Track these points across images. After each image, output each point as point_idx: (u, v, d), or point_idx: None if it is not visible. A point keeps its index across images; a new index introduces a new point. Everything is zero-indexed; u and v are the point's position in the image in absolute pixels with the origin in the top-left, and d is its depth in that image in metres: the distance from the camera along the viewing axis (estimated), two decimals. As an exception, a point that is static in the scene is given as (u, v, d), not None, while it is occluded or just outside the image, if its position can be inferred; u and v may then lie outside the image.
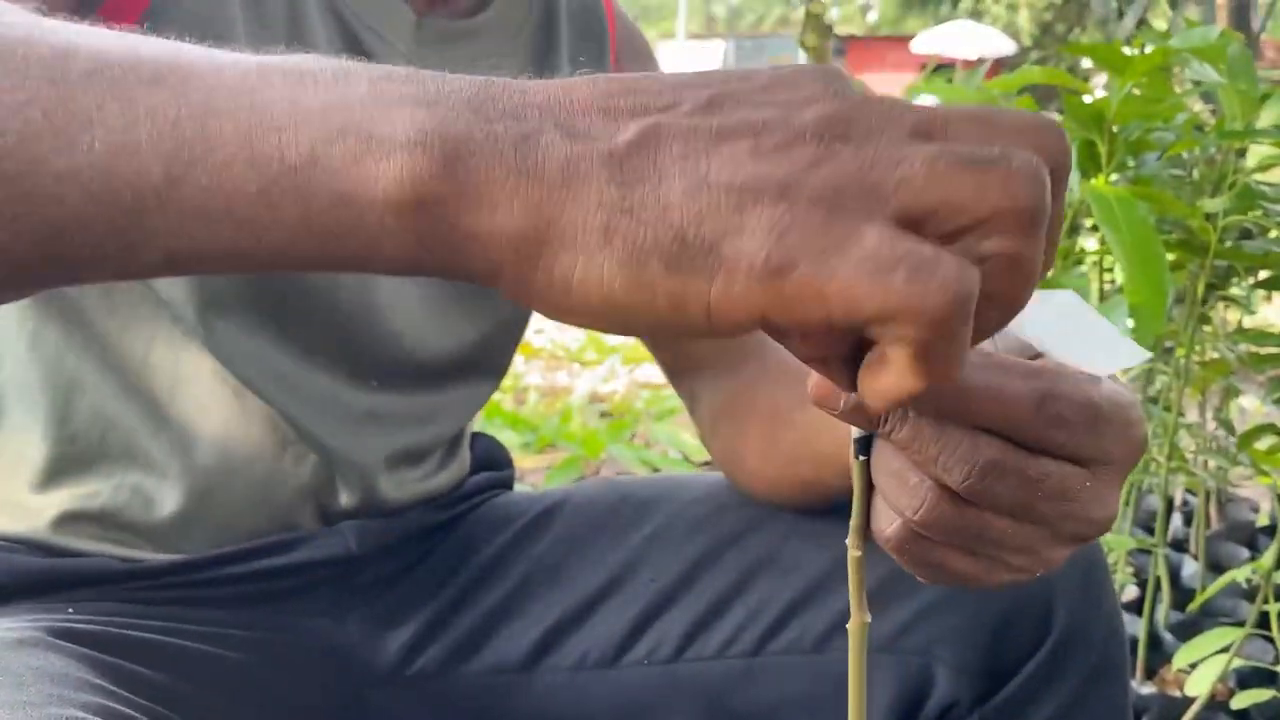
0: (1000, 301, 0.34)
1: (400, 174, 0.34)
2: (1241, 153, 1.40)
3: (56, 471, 0.69)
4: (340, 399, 0.72)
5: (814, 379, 0.40)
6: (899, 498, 0.41)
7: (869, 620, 0.43)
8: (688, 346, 0.80)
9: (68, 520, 0.69)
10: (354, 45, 0.68)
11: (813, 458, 0.67)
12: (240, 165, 0.35)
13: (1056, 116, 1.33)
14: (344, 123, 0.35)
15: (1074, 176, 1.17)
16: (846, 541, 0.43)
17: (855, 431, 0.43)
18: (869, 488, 0.43)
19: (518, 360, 3.88)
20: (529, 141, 0.34)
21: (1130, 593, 1.64)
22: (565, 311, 0.35)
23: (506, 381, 3.51)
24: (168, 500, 0.69)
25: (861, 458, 0.43)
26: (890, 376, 0.34)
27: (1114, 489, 0.42)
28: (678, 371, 0.83)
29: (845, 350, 0.36)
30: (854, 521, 0.43)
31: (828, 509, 0.72)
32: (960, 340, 0.33)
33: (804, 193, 0.33)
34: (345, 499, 0.74)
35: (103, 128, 0.36)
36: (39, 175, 0.36)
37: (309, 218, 0.35)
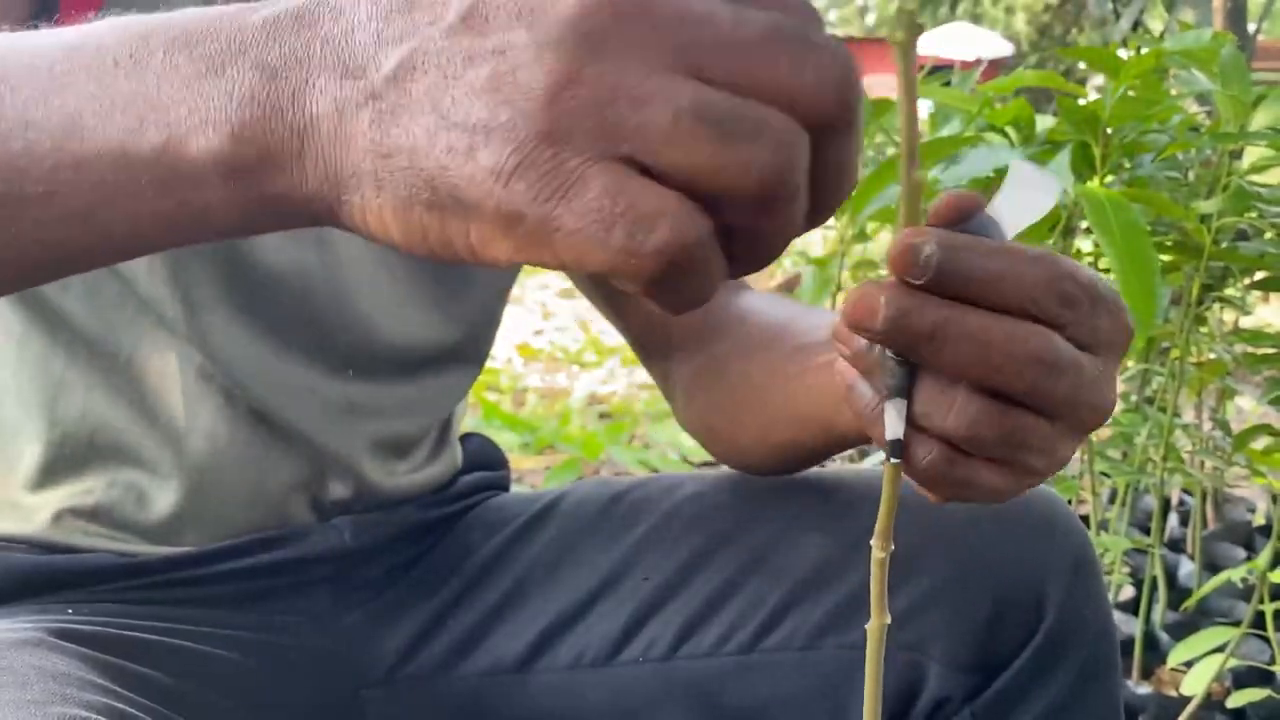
0: (750, 253, 0.35)
1: (201, 156, 0.36)
2: (1237, 154, 1.40)
3: (50, 471, 0.69)
4: (320, 390, 0.72)
5: (849, 304, 0.41)
6: (945, 419, 0.41)
7: (889, 621, 0.44)
8: (655, 322, 0.81)
9: (64, 518, 0.70)
10: None
11: (789, 421, 0.68)
12: (66, 172, 0.38)
13: (1051, 119, 1.34)
14: (142, 114, 0.37)
15: (1069, 179, 1.18)
16: (871, 542, 0.43)
17: (890, 434, 0.43)
18: (897, 491, 0.43)
19: (517, 362, 3.89)
20: (304, 92, 0.36)
21: (1127, 592, 1.64)
22: (379, 243, 0.37)
23: (506, 383, 3.52)
24: (161, 497, 0.70)
25: (895, 460, 0.43)
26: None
27: (1114, 375, 0.43)
28: (649, 350, 0.83)
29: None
30: (880, 524, 0.43)
31: (821, 507, 0.73)
32: (695, 280, 0.33)
33: (534, 129, 0.32)
34: (336, 491, 0.75)
35: None
36: None
37: (139, 204, 0.38)
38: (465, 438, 0.88)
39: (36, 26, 0.42)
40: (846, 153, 0.34)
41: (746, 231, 0.34)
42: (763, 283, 3.90)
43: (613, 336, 3.91)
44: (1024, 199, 0.42)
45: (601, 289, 0.82)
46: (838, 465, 0.73)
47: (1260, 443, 1.42)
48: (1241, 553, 1.74)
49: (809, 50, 0.33)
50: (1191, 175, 1.42)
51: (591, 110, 0.32)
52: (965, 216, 0.42)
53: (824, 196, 0.35)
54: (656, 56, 0.32)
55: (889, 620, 0.43)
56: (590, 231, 0.32)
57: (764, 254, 0.35)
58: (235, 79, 0.36)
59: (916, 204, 0.40)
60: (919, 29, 0.37)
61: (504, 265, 0.35)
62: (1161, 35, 2.09)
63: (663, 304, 0.34)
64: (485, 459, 0.88)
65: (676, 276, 0.33)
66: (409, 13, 0.35)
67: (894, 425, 0.43)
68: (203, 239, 0.40)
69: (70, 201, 0.38)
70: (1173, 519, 1.93)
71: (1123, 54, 1.33)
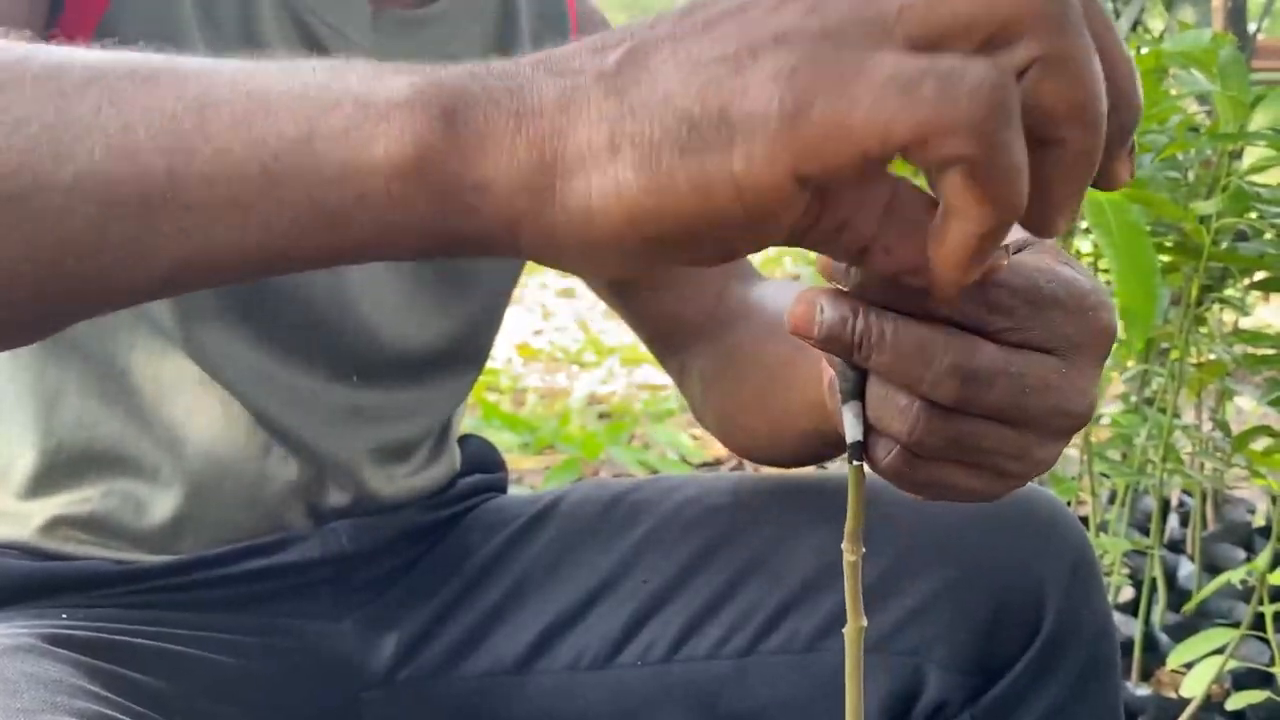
0: (1064, 113, 0.32)
1: (400, 133, 0.34)
2: (1236, 154, 1.40)
3: (44, 479, 0.69)
4: (321, 396, 0.72)
5: (792, 308, 0.39)
6: (891, 423, 0.40)
7: (865, 625, 0.43)
8: (670, 315, 0.80)
9: (56, 525, 0.69)
10: (310, 41, 0.68)
11: (808, 409, 0.66)
12: (239, 147, 0.35)
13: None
14: (339, 94, 0.35)
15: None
16: (842, 546, 0.43)
17: (850, 436, 0.43)
18: (863, 491, 0.43)
19: (517, 362, 3.89)
20: (523, 88, 0.34)
21: (1126, 594, 1.64)
22: (593, 243, 0.34)
23: (506, 383, 3.52)
24: (158, 505, 0.70)
25: (856, 463, 0.43)
26: (959, 223, 0.32)
27: (1089, 378, 0.41)
28: (664, 345, 0.82)
29: (894, 233, 0.35)
30: (849, 526, 0.43)
31: (820, 510, 0.73)
32: (1014, 152, 0.31)
33: (804, 35, 0.31)
34: (335, 496, 0.74)
35: (101, 133, 0.36)
36: (45, 191, 0.36)
37: (314, 194, 0.35)
38: (463, 439, 0.88)
39: (53, 30, 0.41)
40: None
41: (1050, 107, 0.32)
42: (762, 283, 3.89)
43: (612, 337, 3.91)
44: None
45: (616, 284, 0.82)
46: (838, 467, 0.73)
47: (1260, 444, 1.41)
48: (1241, 554, 1.74)
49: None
50: (1191, 175, 1.41)
51: (853, 13, 0.31)
52: None
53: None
54: None
55: (865, 623, 0.43)
56: (896, 94, 0.30)
57: (1081, 118, 0.32)
58: (441, 75, 0.35)
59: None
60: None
61: (774, 205, 0.32)
62: (1161, 35, 2.09)
63: (993, 177, 0.31)
64: (483, 461, 0.88)
65: (1004, 127, 0.30)
66: (615, 33, 0.34)
67: (852, 427, 0.43)
68: (370, 248, 0.36)
69: (233, 187, 0.35)
70: (1172, 520, 1.93)
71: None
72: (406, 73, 0.35)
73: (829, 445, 0.69)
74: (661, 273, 0.79)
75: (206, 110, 0.35)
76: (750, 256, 0.80)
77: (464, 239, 0.35)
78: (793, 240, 0.35)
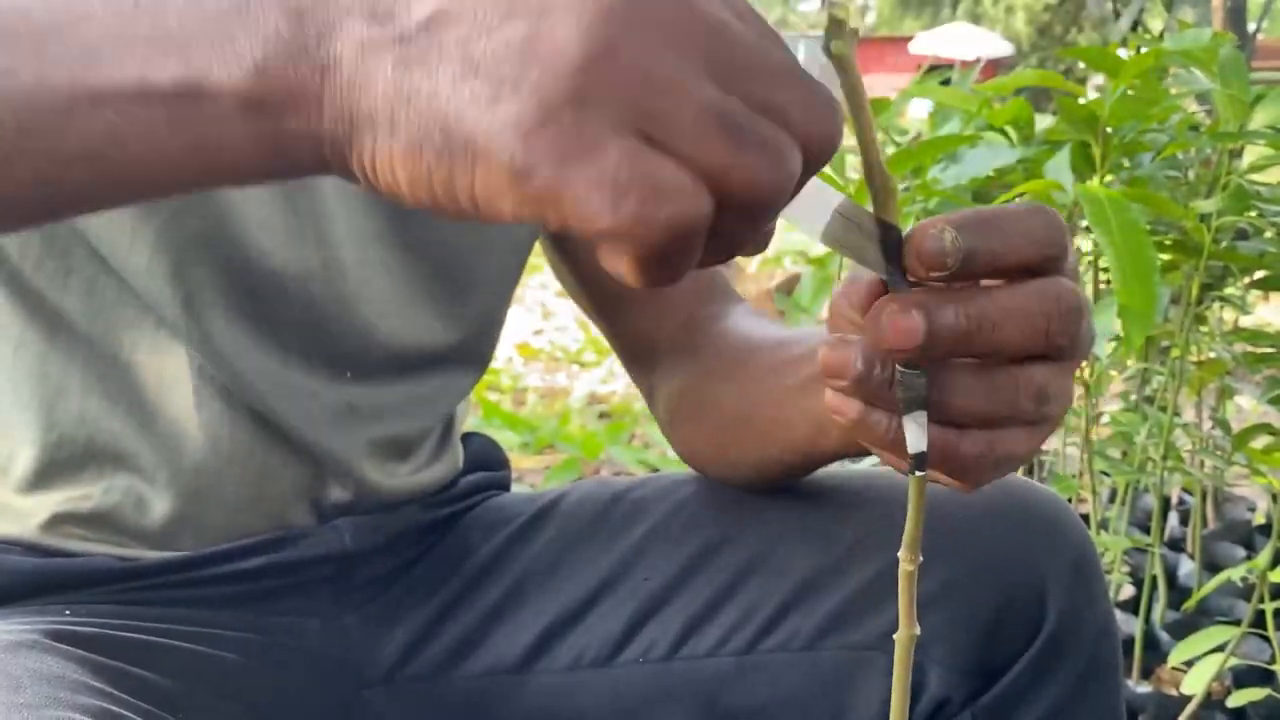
0: (719, 249, 0.36)
1: (222, 90, 0.36)
2: (1236, 153, 1.40)
3: (45, 474, 0.69)
4: (321, 393, 0.72)
5: (824, 352, 0.43)
6: (977, 399, 0.45)
7: (918, 633, 0.44)
8: (644, 334, 0.81)
9: (57, 522, 0.69)
10: None
11: (773, 444, 0.70)
12: (81, 105, 0.37)
13: (1051, 119, 1.34)
14: (164, 48, 0.37)
15: (1068, 177, 1.17)
16: (899, 554, 0.43)
17: (913, 447, 0.43)
18: (923, 503, 0.43)
19: (517, 362, 3.89)
20: (330, 33, 0.36)
21: (1127, 592, 1.64)
22: (381, 192, 0.37)
23: (506, 383, 3.52)
24: (159, 502, 0.70)
25: (919, 473, 0.43)
26: (619, 269, 0.35)
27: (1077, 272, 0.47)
28: (635, 361, 0.83)
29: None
30: (907, 536, 0.43)
31: (821, 508, 0.73)
32: (686, 260, 0.35)
33: (562, 90, 0.33)
34: (336, 493, 0.74)
35: None
36: None
37: (153, 142, 0.37)
38: (466, 437, 0.88)
39: None
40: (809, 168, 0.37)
41: (723, 231, 0.35)
42: (762, 283, 3.90)
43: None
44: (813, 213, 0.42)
45: (594, 296, 0.83)
46: (838, 466, 0.73)
47: (1260, 442, 1.41)
48: (1241, 552, 1.74)
49: (818, 92, 0.36)
50: (1191, 174, 1.42)
51: (622, 85, 0.33)
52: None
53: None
54: (692, 55, 0.34)
55: (919, 631, 0.43)
56: (603, 196, 0.33)
57: (729, 253, 0.37)
58: (260, 17, 0.36)
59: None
60: (856, 36, 0.38)
61: (504, 220, 0.35)
62: (1161, 35, 2.09)
63: (646, 275, 0.35)
64: (486, 459, 0.88)
65: (675, 252, 0.34)
66: None
67: (916, 439, 0.43)
68: (210, 183, 0.39)
69: (84, 139, 0.37)
70: (1173, 518, 1.93)
71: (1122, 53, 1.33)
72: (225, 18, 0.37)
73: (795, 474, 0.73)
74: (633, 289, 0.80)
75: (44, 65, 0.37)
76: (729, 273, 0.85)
77: (300, 171, 0.38)
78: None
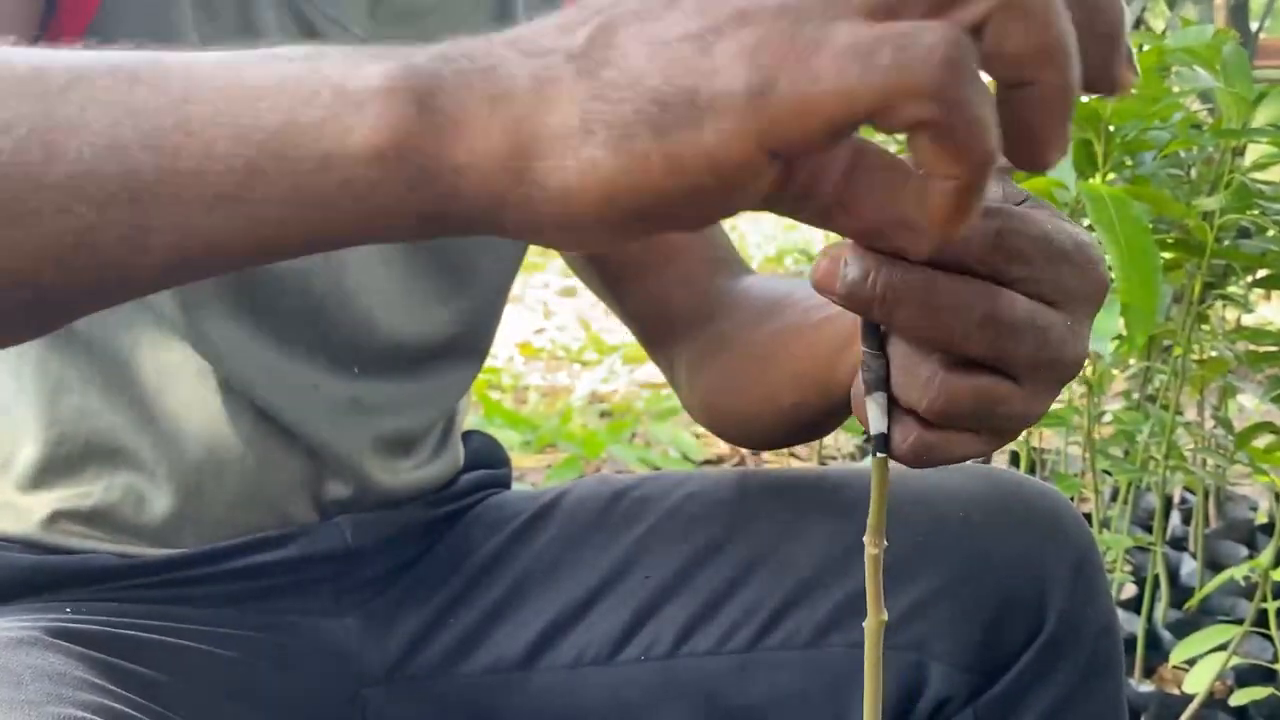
0: (1030, 57, 0.32)
1: (376, 121, 0.35)
2: (1239, 151, 1.40)
3: (46, 472, 0.69)
4: (322, 388, 0.72)
5: (816, 264, 0.40)
6: (911, 392, 0.41)
7: (886, 619, 0.43)
8: (658, 306, 0.80)
9: (58, 519, 0.69)
10: (308, 32, 0.68)
11: (794, 383, 0.66)
12: (224, 143, 0.36)
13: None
14: (317, 84, 0.36)
15: (1070, 176, 1.17)
16: (864, 539, 0.43)
17: (874, 428, 0.43)
18: (887, 484, 0.43)
19: (518, 361, 3.89)
20: (495, 69, 0.35)
21: (1129, 591, 1.64)
22: (573, 220, 0.34)
23: (507, 382, 3.52)
24: (159, 499, 0.70)
25: (880, 455, 0.43)
26: (936, 182, 0.33)
27: (1085, 330, 0.42)
28: (653, 336, 0.82)
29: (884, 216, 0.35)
30: (871, 520, 0.43)
31: (823, 505, 0.73)
32: (974, 107, 0.31)
33: (765, 12, 0.32)
34: (337, 489, 0.74)
35: (88, 132, 0.36)
36: (38, 190, 0.36)
37: (298, 183, 0.36)
38: (467, 435, 0.88)
39: (41, 34, 0.42)
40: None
41: (1015, 56, 0.32)
42: (764, 281, 3.89)
43: (614, 335, 3.91)
44: None
45: (607, 274, 0.82)
46: (839, 465, 0.73)
47: (1262, 440, 1.41)
48: (1243, 551, 1.74)
49: None
50: (1193, 173, 1.41)
51: None
52: None
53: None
54: None
55: (886, 618, 0.43)
56: (855, 65, 0.31)
57: (1048, 62, 0.33)
58: (415, 61, 0.35)
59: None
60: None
61: (747, 180, 0.33)
62: (1163, 32, 2.09)
63: (965, 150, 0.32)
64: (487, 457, 0.87)
65: (964, 85, 0.31)
66: (581, 10, 0.35)
67: (877, 420, 0.43)
68: (357, 232, 0.37)
69: (221, 180, 0.36)
70: (1175, 517, 1.93)
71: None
72: (381, 58, 0.36)
73: (814, 421, 0.68)
74: (648, 261, 0.79)
75: (189, 105, 0.36)
76: (747, 256, 0.81)
77: (448, 219, 0.36)
78: (762, 205, 0.36)
